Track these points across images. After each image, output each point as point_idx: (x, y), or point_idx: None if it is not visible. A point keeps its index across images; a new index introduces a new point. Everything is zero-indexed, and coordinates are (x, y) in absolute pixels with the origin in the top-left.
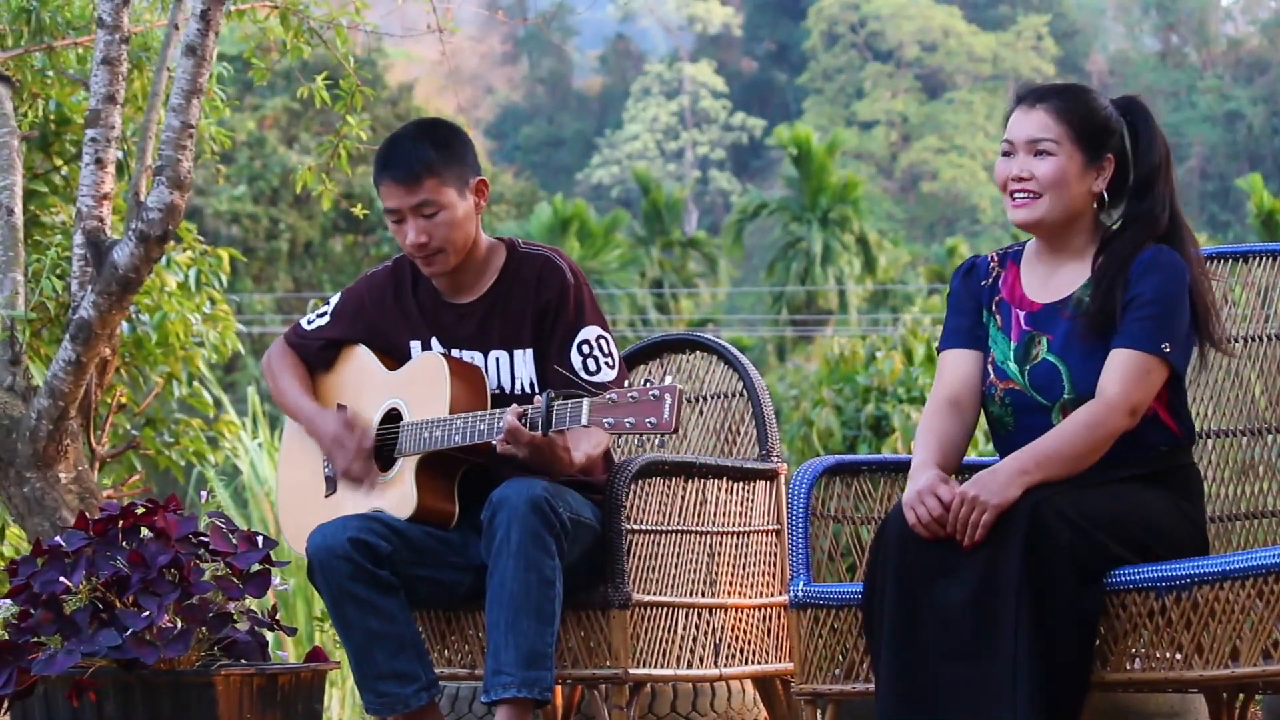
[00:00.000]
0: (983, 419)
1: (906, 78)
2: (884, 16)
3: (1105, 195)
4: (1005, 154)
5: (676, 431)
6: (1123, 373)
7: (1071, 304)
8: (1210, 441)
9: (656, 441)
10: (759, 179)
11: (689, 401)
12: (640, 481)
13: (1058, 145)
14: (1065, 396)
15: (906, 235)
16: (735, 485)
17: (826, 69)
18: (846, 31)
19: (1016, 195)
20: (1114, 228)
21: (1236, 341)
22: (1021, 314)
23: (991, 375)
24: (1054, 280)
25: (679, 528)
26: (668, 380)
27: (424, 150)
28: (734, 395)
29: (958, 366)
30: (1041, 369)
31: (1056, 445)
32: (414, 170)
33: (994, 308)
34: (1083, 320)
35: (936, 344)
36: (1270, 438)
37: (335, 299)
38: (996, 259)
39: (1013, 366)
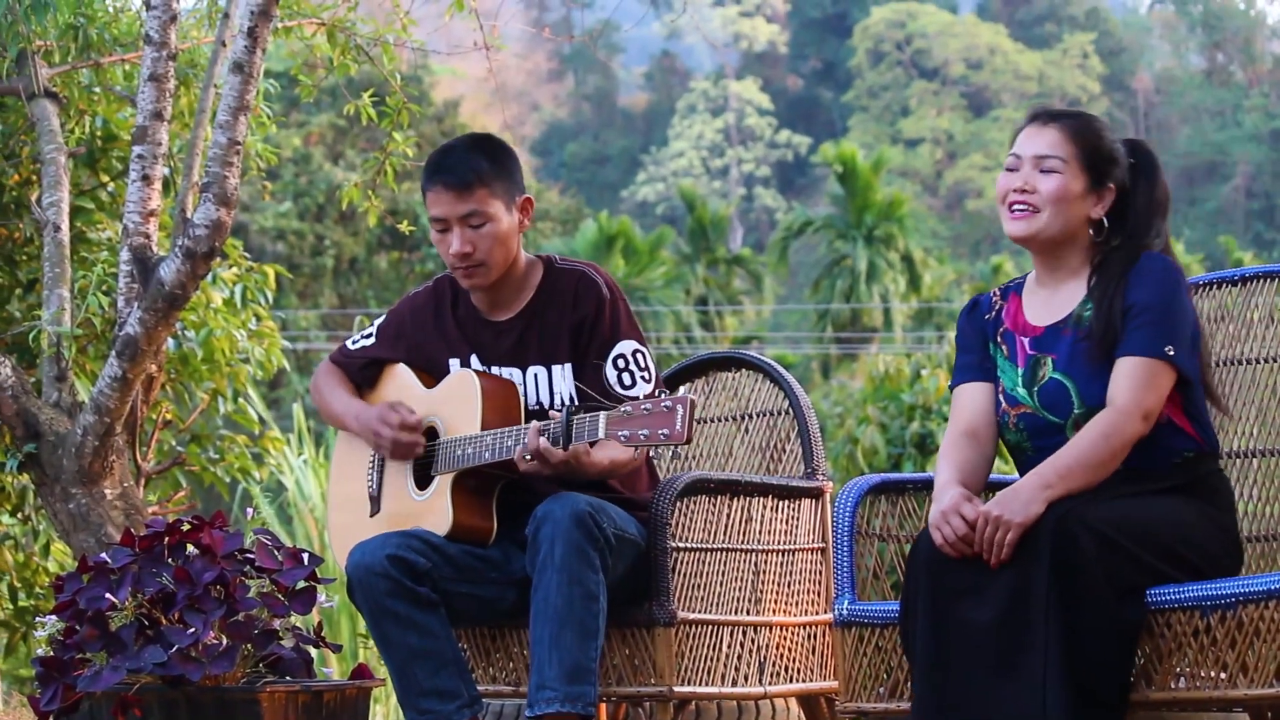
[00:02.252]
0: (1005, 451)
1: (952, 95)
2: (930, 34)
3: (1105, 222)
4: (1010, 169)
5: (689, 442)
6: (1130, 380)
7: (1072, 321)
8: (1255, 461)
9: (673, 452)
10: (804, 196)
11: (734, 419)
12: (685, 499)
13: (1064, 164)
14: (1076, 412)
15: (951, 253)
16: (780, 503)
17: (872, 86)
18: (892, 49)
19: (1015, 208)
20: (1112, 246)
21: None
22: (1025, 340)
23: (1003, 404)
24: (1054, 302)
25: (724, 545)
26: (680, 391)
27: (477, 161)
28: (779, 413)
29: (972, 399)
30: (1050, 388)
31: (1075, 456)
32: (466, 179)
33: (999, 339)
34: (1087, 342)
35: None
36: None
37: (380, 319)
38: (999, 293)
39: (1021, 391)
